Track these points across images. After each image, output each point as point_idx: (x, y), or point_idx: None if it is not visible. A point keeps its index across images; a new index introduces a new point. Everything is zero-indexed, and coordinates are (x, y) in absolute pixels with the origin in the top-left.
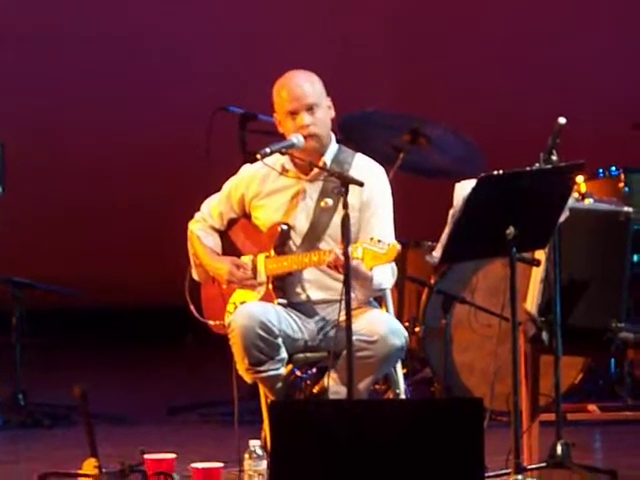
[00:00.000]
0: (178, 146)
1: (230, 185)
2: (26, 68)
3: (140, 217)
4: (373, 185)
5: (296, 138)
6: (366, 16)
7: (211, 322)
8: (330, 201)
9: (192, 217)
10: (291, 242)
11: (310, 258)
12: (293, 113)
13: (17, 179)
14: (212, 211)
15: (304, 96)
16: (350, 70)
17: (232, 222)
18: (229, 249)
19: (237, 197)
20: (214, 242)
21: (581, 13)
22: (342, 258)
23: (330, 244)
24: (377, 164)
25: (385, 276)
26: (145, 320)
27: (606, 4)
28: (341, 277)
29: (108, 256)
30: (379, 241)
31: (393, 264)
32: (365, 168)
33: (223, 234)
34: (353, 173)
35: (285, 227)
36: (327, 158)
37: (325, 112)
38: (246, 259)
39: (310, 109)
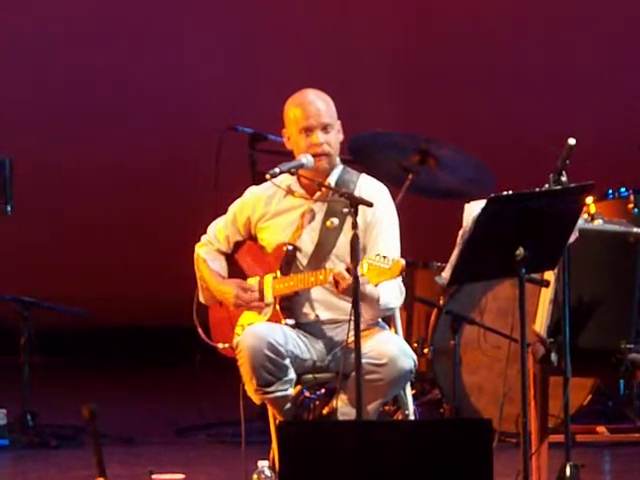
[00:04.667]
0: (187, 165)
1: (235, 208)
2: (28, 86)
3: (149, 236)
4: (378, 205)
5: (305, 158)
6: (373, 35)
7: (220, 345)
8: (336, 221)
9: (199, 236)
10: (297, 262)
11: (316, 277)
12: (308, 130)
13: (23, 198)
14: (218, 234)
15: (320, 115)
16: (356, 90)
17: (238, 245)
18: (235, 272)
19: (243, 220)
20: (220, 266)
21: (589, 34)
22: (344, 274)
23: (336, 264)
24: (381, 184)
25: (392, 295)
26: (153, 340)
27: (614, 24)
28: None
29: (117, 276)
30: (384, 257)
31: (401, 283)
32: (369, 188)
33: (230, 257)
34: (357, 193)
35: (290, 247)
36: (332, 179)
37: (336, 134)
38: (252, 281)
39: (324, 128)
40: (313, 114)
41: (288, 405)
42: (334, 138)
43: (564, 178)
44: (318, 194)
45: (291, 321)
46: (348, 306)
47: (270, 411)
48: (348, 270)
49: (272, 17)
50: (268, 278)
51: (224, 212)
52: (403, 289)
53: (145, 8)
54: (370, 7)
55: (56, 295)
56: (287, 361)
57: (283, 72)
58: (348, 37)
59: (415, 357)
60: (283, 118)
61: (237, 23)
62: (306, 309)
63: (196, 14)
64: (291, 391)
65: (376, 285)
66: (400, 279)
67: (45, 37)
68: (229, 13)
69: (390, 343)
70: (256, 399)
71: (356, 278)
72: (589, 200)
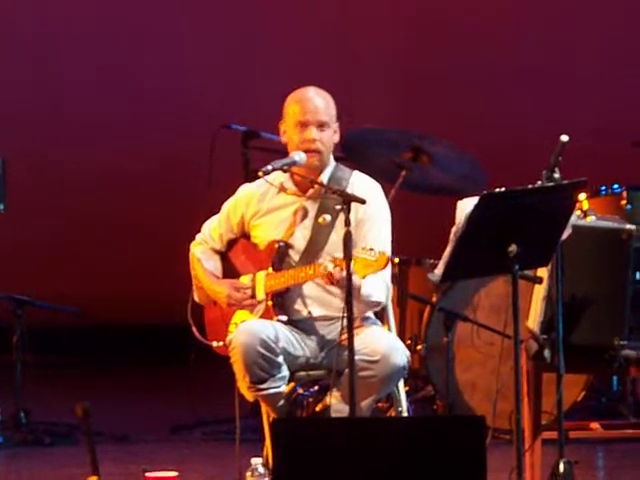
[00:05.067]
0: (181, 162)
1: (229, 206)
2: (27, 85)
3: (142, 235)
4: (370, 202)
5: (298, 155)
6: (371, 34)
7: (214, 344)
8: (328, 217)
9: (195, 235)
10: (290, 259)
11: (306, 272)
12: (303, 125)
13: (18, 196)
14: (212, 233)
15: (318, 112)
16: (354, 89)
17: (231, 243)
18: (229, 270)
19: (236, 218)
20: (214, 265)
21: (583, 30)
22: (335, 273)
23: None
24: (374, 181)
25: (376, 289)
26: (147, 338)
27: (607, 21)
28: (339, 292)
29: (110, 274)
30: (370, 249)
31: (388, 280)
32: (362, 185)
33: (223, 255)
34: (350, 190)
35: (282, 244)
36: (324, 176)
37: (331, 134)
38: (245, 278)
39: (321, 126)
40: (310, 110)
41: (281, 402)
42: (328, 137)
43: (557, 175)
44: (311, 191)
45: (283, 317)
46: (341, 303)
47: (263, 408)
48: (333, 262)
49: (271, 17)
50: (260, 275)
51: (218, 210)
52: (390, 285)
53: (144, 8)
54: (369, 6)
55: (50, 293)
56: (280, 358)
57: (281, 71)
58: (346, 36)
59: (408, 354)
60: (282, 112)
61: (236, 23)
62: (298, 306)
63: (195, 14)
64: (284, 388)
65: (363, 277)
66: (388, 275)
67: (40, 41)
68: (228, 13)
69: (383, 340)
70: (249, 396)
71: (349, 275)
72: (582, 196)
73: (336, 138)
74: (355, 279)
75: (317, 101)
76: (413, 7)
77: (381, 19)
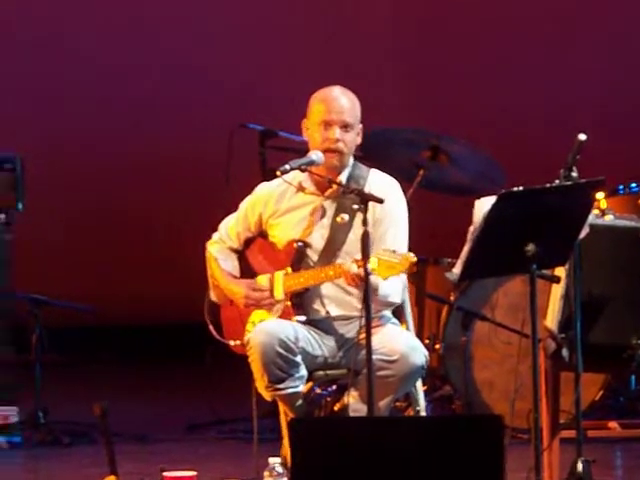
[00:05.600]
0: (197, 161)
1: (247, 205)
2: (38, 88)
3: (159, 233)
4: (388, 200)
5: (315, 155)
6: (382, 32)
7: (231, 342)
8: (346, 217)
9: (211, 233)
10: (308, 259)
11: (326, 272)
12: (327, 124)
13: (35, 196)
14: (229, 232)
15: (343, 112)
16: (366, 87)
17: (248, 242)
18: (245, 268)
19: (254, 217)
20: (232, 265)
21: (594, 27)
22: (352, 270)
23: (346, 260)
24: (392, 179)
25: (394, 289)
26: (164, 337)
27: (620, 19)
28: (357, 292)
29: (127, 273)
30: (393, 251)
31: (405, 280)
32: (380, 183)
33: (240, 254)
34: (368, 189)
35: (301, 244)
36: (343, 175)
37: (354, 136)
38: (263, 279)
39: (345, 126)
40: (336, 110)
41: (299, 402)
42: (351, 139)
43: (574, 174)
44: (329, 191)
45: (302, 317)
46: (359, 303)
47: (281, 408)
48: (357, 264)
49: (282, 16)
50: (279, 275)
51: (235, 209)
52: (407, 286)
53: (157, 8)
54: (378, 3)
55: (66, 293)
56: (298, 357)
57: (294, 70)
58: (356, 35)
59: (427, 353)
60: (307, 109)
61: (252, 23)
62: (317, 305)
63: (208, 13)
64: (302, 388)
65: (385, 279)
66: (405, 276)
67: (53, 39)
68: (240, 12)
69: (401, 339)
70: (267, 396)
71: (367, 274)
72: (600, 195)
73: (358, 140)
74: (373, 279)
75: (343, 101)
76: (421, 6)
77: (390, 17)
